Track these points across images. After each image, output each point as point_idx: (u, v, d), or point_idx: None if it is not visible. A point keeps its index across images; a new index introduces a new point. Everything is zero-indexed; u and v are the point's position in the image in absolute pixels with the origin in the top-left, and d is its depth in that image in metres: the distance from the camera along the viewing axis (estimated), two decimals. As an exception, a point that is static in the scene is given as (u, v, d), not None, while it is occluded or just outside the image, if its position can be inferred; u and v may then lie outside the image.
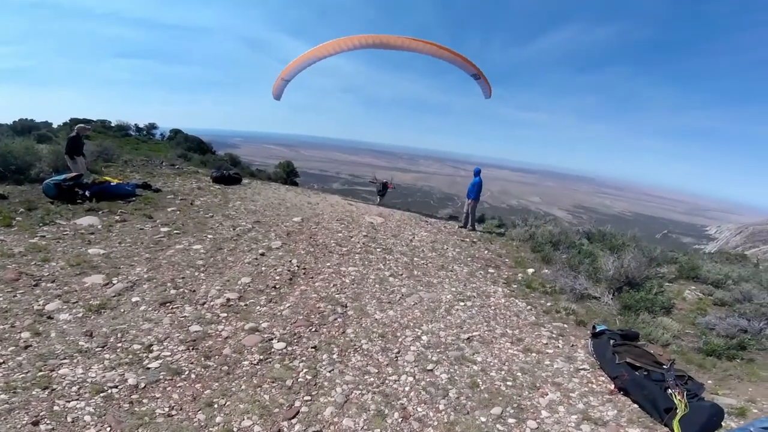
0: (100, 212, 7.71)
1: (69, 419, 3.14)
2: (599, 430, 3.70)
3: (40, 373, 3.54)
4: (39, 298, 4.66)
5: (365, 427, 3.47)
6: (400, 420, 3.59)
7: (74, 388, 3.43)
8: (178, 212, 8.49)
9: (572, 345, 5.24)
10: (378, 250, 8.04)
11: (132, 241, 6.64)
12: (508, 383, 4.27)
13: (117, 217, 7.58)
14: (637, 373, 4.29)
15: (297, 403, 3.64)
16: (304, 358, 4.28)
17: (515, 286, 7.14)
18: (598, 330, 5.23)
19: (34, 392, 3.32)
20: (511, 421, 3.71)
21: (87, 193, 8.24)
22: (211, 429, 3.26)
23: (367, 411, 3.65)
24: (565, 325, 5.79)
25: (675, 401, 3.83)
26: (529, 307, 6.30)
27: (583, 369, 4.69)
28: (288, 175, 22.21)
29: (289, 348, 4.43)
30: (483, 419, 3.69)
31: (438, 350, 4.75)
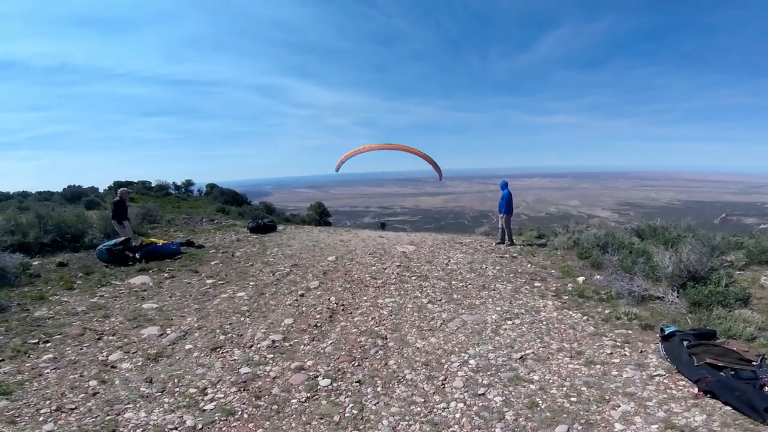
0: (150, 271, 8.27)
1: None
2: (679, 431, 3.28)
3: (108, 417, 3.74)
4: (102, 350, 5.04)
5: (417, 461, 3.26)
6: (454, 450, 3.35)
7: (139, 431, 3.56)
8: (220, 264, 8.91)
9: (641, 351, 4.76)
10: (413, 278, 7.90)
11: (181, 294, 7.06)
12: (572, 399, 3.89)
13: (166, 274, 8.08)
14: (722, 373, 3.79)
15: (345, 439, 3.50)
16: (349, 393, 4.16)
17: (566, 297, 6.70)
18: (667, 332, 4.74)
19: None
20: (580, 438, 3.36)
21: (137, 255, 8.86)
22: None
23: (418, 442, 3.44)
24: (630, 332, 5.30)
25: None
26: (585, 317, 5.86)
27: (658, 375, 4.22)
28: (320, 216, 22.77)
29: (334, 384, 4.33)
30: (546, 440, 3.37)
31: (489, 373, 4.45)
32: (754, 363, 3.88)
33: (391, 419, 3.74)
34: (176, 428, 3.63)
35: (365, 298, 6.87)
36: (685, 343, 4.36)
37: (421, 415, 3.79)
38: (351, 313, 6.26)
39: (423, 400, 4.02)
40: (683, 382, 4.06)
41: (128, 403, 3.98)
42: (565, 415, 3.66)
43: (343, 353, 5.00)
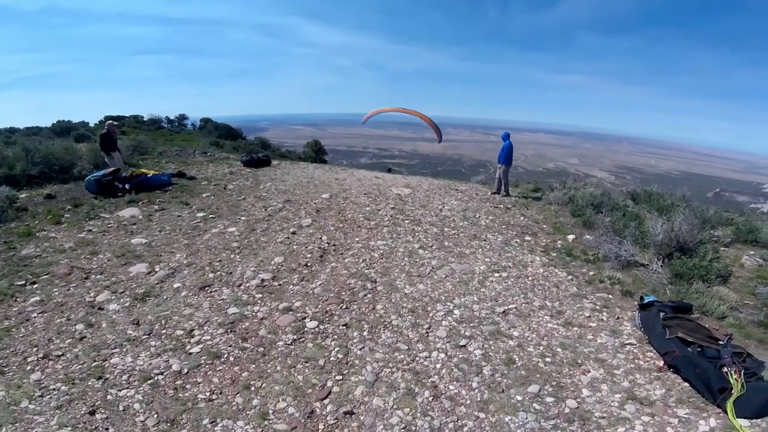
0: (140, 203, 8.12)
1: (121, 408, 3.34)
2: (645, 410, 3.47)
3: (95, 364, 3.78)
4: (90, 290, 4.98)
5: (395, 407, 3.45)
6: (430, 399, 3.54)
7: (125, 377, 3.65)
8: (212, 197, 8.78)
9: (617, 318, 4.93)
10: (406, 222, 7.89)
11: (171, 228, 6.97)
12: (547, 359, 4.09)
13: (156, 207, 7.95)
14: (689, 349, 3.94)
15: (329, 383, 3.67)
16: (335, 337, 4.30)
17: (554, 254, 6.79)
18: (646, 301, 4.85)
19: (89, 383, 3.56)
20: (549, 399, 3.56)
21: (126, 186, 8.70)
22: (248, 412, 3.36)
23: (397, 390, 3.62)
24: (610, 296, 5.44)
25: (731, 381, 3.50)
26: (569, 276, 5.97)
27: (630, 344, 4.40)
28: (317, 154, 22.31)
29: (321, 326, 4.46)
30: (519, 398, 3.57)
31: (471, 325, 4.61)
32: (720, 342, 4.01)
33: (375, 365, 3.90)
34: (162, 373, 3.71)
35: (357, 239, 6.88)
36: (662, 314, 4.48)
37: (404, 362, 3.97)
38: (342, 253, 6.29)
39: (407, 347, 4.19)
40: (651, 354, 4.23)
41: (115, 348, 4.00)
42: (538, 375, 3.85)
43: (332, 295, 5.09)
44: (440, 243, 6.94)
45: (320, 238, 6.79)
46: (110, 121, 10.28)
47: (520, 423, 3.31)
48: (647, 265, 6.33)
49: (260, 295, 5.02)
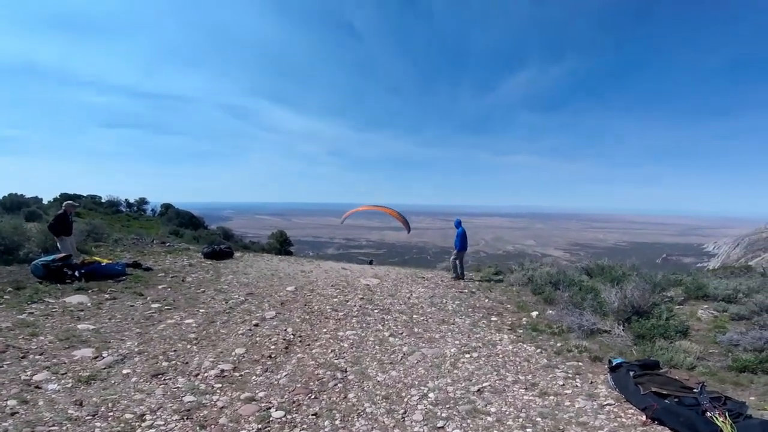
0: (89, 291, 7.66)
1: None
2: None
3: None
4: (27, 369, 4.55)
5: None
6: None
7: None
8: (169, 289, 8.40)
9: (591, 382, 4.93)
10: (375, 311, 7.84)
11: (122, 317, 6.55)
12: (528, 430, 3.93)
13: (107, 296, 7.52)
14: (666, 401, 3.98)
15: (301, 475, 3.28)
16: (304, 426, 3.94)
17: (521, 331, 6.89)
18: (614, 363, 4.95)
19: None
20: (538, 470, 3.35)
21: (77, 273, 8.24)
22: None
23: (378, 478, 3.29)
24: (580, 363, 5.50)
25: (718, 423, 3.53)
26: (538, 350, 6.02)
27: (608, 404, 4.37)
28: (282, 245, 22.25)
29: (289, 416, 4.10)
30: (506, 472, 3.34)
31: (447, 406, 4.41)
32: (695, 390, 4.10)
33: (350, 454, 3.56)
34: None
35: (325, 330, 6.68)
36: (631, 373, 4.56)
37: (381, 449, 3.65)
38: (309, 344, 6.05)
39: (382, 433, 3.89)
40: (632, 411, 4.21)
41: (53, 425, 3.57)
42: None
43: (299, 385, 4.78)
44: (410, 330, 6.89)
45: (285, 329, 6.55)
46: (69, 201, 9.80)
47: None
48: (609, 331, 6.56)
49: (219, 385, 4.63)
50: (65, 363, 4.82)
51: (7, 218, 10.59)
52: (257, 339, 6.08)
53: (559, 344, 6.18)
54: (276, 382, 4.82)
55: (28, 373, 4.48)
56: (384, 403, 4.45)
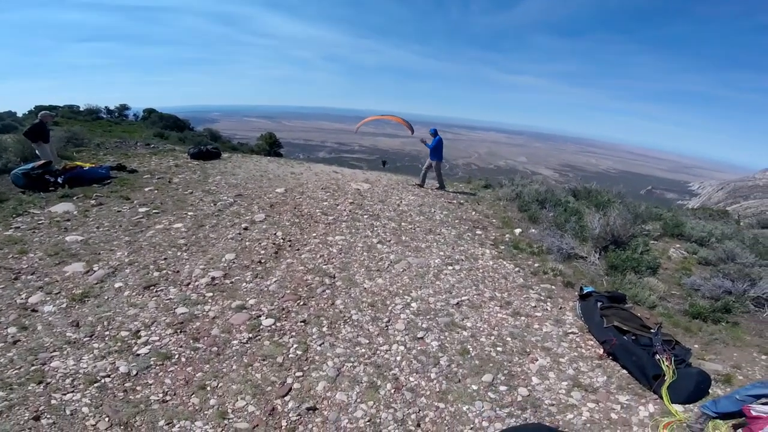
0: (74, 198, 7.41)
1: (68, 412, 3.13)
2: (589, 396, 3.75)
3: (33, 368, 3.50)
4: (21, 291, 4.55)
5: (358, 400, 3.50)
6: (392, 391, 3.62)
7: (68, 381, 3.40)
8: (155, 191, 8.19)
9: (560, 307, 5.29)
10: (365, 216, 7.92)
11: (110, 224, 6.43)
12: (498, 349, 4.31)
13: (93, 201, 7.30)
14: (625, 337, 4.29)
15: (289, 380, 3.63)
16: (293, 334, 4.24)
17: (503, 247, 7.13)
18: (585, 292, 5.24)
19: (30, 387, 3.31)
20: (502, 388, 3.76)
21: (59, 179, 7.90)
22: (206, 412, 3.25)
23: (360, 383, 3.66)
24: (553, 287, 5.82)
25: (663, 368, 3.86)
26: (516, 268, 6.32)
27: (572, 333, 4.75)
28: (271, 147, 21.64)
29: (278, 324, 4.37)
30: (474, 387, 3.74)
31: (428, 317, 4.75)
32: (651, 330, 4.42)
33: (336, 360, 3.91)
34: (109, 375, 3.51)
35: (314, 234, 6.79)
36: (599, 304, 4.86)
37: (365, 356, 4.01)
38: (298, 249, 6.19)
39: (367, 341, 4.24)
40: (592, 342, 4.59)
41: (54, 351, 3.72)
42: (491, 365, 4.06)
43: (288, 292, 5.01)
44: (398, 237, 7.05)
45: (274, 233, 6.62)
46: (44, 111, 9.24)
47: (477, 412, 3.48)
48: (586, 257, 6.86)
49: (211, 294, 4.81)
50: (58, 281, 4.81)
51: (-21, 132, 9.89)
52: (247, 243, 6.16)
53: (536, 265, 6.48)
54: (266, 289, 5.03)
55: (23, 295, 4.48)
56: (369, 311, 4.75)
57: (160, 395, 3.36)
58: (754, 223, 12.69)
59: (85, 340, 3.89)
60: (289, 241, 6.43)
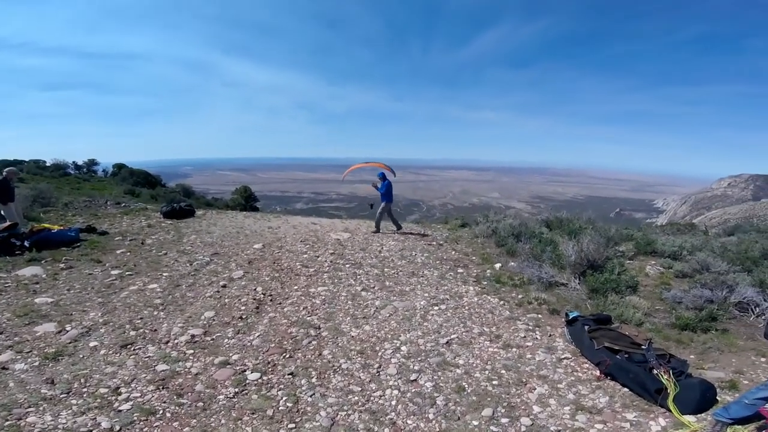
0: (42, 261, 7.17)
1: None
2: (595, 417, 3.68)
3: (8, 423, 3.25)
4: None
5: (356, 450, 3.30)
6: (391, 436, 3.44)
7: None
8: (128, 253, 7.99)
9: (550, 335, 5.29)
10: (347, 266, 7.90)
11: (81, 287, 6.22)
12: (494, 382, 4.22)
13: (62, 265, 7.06)
14: (618, 356, 4.31)
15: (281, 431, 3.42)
16: (281, 386, 4.04)
17: (485, 282, 7.21)
18: (571, 317, 5.29)
19: None
20: (504, 420, 3.65)
21: (26, 243, 7.64)
22: None
23: (356, 431, 3.48)
24: (540, 316, 5.85)
25: (663, 381, 3.86)
26: (501, 302, 6.35)
27: (566, 358, 4.73)
28: (247, 201, 21.59)
29: (265, 377, 4.17)
30: (475, 423, 3.61)
31: (419, 359, 4.64)
32: (642, 347, 4.46)
33: (329, 410, 3.72)
34: (90, 430, 3.27)
35: (296, 287, 6.69)
36: (586, 327, 4.91)
37: (359, 404, 3.84)
38: (280, 303, 6.05)
39: (360, 388, 4.07)
40: (587, 365, 4.57)
41: (29, 407, 3.48)
42: (489, 399, 3.95)
43: (273, 345, 4.84)
44: (382, 283, 7.03)
45: (254, 289, 6.49)
46: (10, 168, 9.08)
47: None
48: (566, 283, 7.00)
49: (192, 351, 4.60)
50: (28, 340, 4.60)
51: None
52: (226, 300, 6.00)
53: (520, 296, 6.54)
54: (249, 344, 4.85)
55: None
56: (359, 358, 4.61)
57: None
58: (720, 232, 13.43)
59: (61, 396, 3.65)
60: (270, 295, 6.31)
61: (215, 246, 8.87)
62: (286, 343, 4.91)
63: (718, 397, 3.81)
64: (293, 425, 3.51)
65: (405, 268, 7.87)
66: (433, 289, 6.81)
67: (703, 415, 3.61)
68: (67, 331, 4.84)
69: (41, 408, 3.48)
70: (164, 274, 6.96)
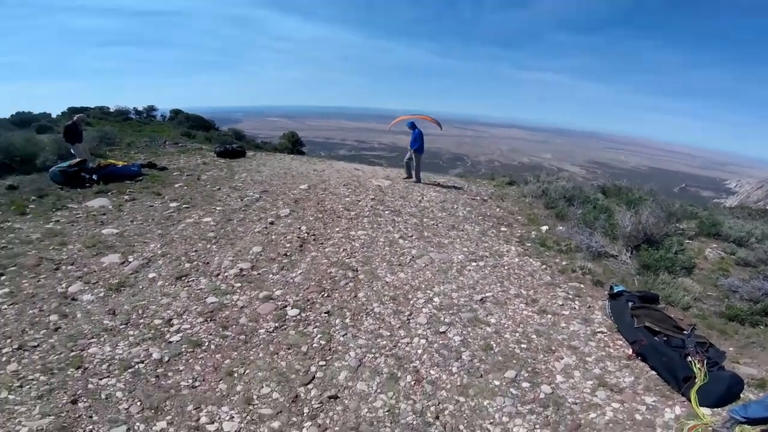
0: (109, 193, 7.81)
1: (103, 396, 3.32)
2: (615, 396, 3.64)
3: (72, 353, 3.71)
4: (61, 281, 4.82)
5: (378, 391, 3.52)
6: (412, 383, 3.62)
7: (104, 366, 3.60)
8: (185, 187, 8.51)
9: (589, 306, 5.13)
10: (386, 212, 7.92)
11: (143, 218, 6.74)
12: (523, 346, 4.24)
13: (126, 197, 7.66)
14: (656, 338, 4.13)
15: (312, 369, 3.70)
16: (317, 324, 4.32)
17: (529, 244, 6.98)
18: (615, 291, 5.06)
19: (69, 372, 3.52)
20: (525, 385, 3.69)
21: (94, 176, 8.36)
22: (232, 398, 3.37)
23: (380, 374, 3.68)
24: (582, 285, 5.65)
25: (694, 370, 3.71)
26: (543, 266, 6.17)
27: (600, 332, 4.60)
28: (293, 145, 21.99)
29: (303, 314, 4.46)
30: (497, 382, 3.69)
31: (450, 312, 4.72)
32: (685, 332, 4.22)
33: (358, 351, 3.95)
34: (143, 361, 3.68)
35: (337, 229, 6.87)
36: (630, 303, 4.68)
37: (387, 348, 4.03)
38: (322, 243, 6.28)
39: (389, 333, 4.25)
40: (620, 342, 4.43)
41: (92, 338, 3.94)
42: (515, 361, 3.99)
43: (313, 284, 5.10)
44: (420, 233, 7.02)
45: (299, 228, 6.73)
46: (78, 114, 9.89)
47: (498, 407, 3.43)
48: (616, 256, 6.63)
49: (239, 285, 4.96)
50: (95, 271, 5.08)
51: (18, 133, 10.55)
52: (273, 237, 6.30)
53: (564, 263, 6.31)
54: (291, 281, 5.14)
55: (63, 285, 4.74)
56: (391, 304, 4.77)
57: (190, 381, 3.49)
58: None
59: (120, 327, 4.10)
60: (314, 235, 6.53)
61: (264, 184, 9.19)
62: (325, 282, 5.15)
63: (741, 394, 3.63)
64: (324, 363, 3.78)
65: (445, 221, 7.77)
66: (473, 245, 6.72)
67: (719, 409, 3.47)
68: (130, 263, 5.31)
69: (102, 338, 3.93)
70: (217, 208, 7.38)
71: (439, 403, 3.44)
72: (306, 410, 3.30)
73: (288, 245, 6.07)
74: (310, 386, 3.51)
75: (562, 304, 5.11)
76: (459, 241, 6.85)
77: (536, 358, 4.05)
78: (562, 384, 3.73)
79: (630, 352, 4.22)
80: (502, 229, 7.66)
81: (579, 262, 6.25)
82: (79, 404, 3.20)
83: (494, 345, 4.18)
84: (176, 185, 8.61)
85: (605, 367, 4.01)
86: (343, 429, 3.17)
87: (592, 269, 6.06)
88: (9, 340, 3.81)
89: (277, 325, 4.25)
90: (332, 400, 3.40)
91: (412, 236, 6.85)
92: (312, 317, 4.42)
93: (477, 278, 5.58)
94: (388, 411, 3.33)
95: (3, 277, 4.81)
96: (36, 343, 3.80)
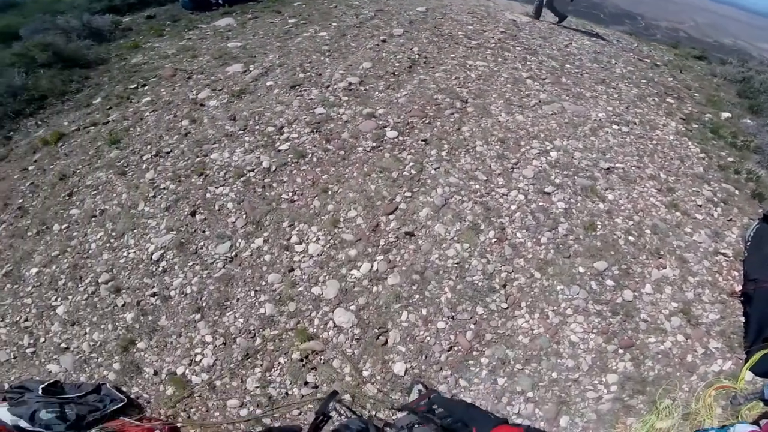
0: (234, 14, 8.12)
1: (216, 207, 3.68)
2: (686, 330, 3.12)
3: (197, 159, 4.14)
4: (192, 88, 5.29)
5: (455, 238, 3.41)
6: (493, 240, 3.41)
7: (222, 173, 3.99)
8: (303, 5, 8.29)
9: (730, 219, 4.03)
10: (518, 48, 6.62)
11: (264, 33, 6.88)
12: (630, 238, 3.61)
13: (249, 16, 7.87)
14: None
15: (398, 198, 3.70)
16: (412, 151, 4.16)
17: (696, 125, 5.46)
18: (772, 215, 3.78)
19: (192, 180, 3.91)
20: (609, 283, 3.27)
21: (220, 0, 8.76)
22: (322, 217, 3.58)
23: (463, 221, 3.52)
24: (737, 192, 4.39)
25: None
26: (702, 154, 4.86)
27: (723, 254, 3.67)
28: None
29: (401, 138, 4.31)
30: (581, 270, 3.30)
31: (565, 172, 4.07)
32: None
33: (447, 189, 3.76)
34: (253, 170, 3.98)
35: (453, 55, 6.07)
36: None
37: (478, 194, 3.76)
38: (433, 67, 5.69)
39: (485, 178, 3.92)
40: (736, 274, 3.54)
41: (214, 143, 4.30)
42: (612, 253, 3.47)
43: (416, 107, 4.78)
44: (556, 78, 5.84)
45: (411, 49, 6.12)
46: None
47: (569, 297, 3.16)
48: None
49: (346, 98, 4.93)
50: (221, 79, 5.41)
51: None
52: (383, 55, 5.92)
53: (730, 159, 4.91)
54: (395, 101, 4.88)
55: (194, 92, 5.15)
56: (497, 146, 4.29)
57: (290, 194, 3.76)
58: None
59: (239, 133, 4.44)
60: (425, 58, 5.91)
61: (380, 3, 8.40)
62: (428, 108, 4.78)
63: None
64: (410, 194, 3.71)
65: (594, 73, 6.32)
66: (622, 106, 5.49)
67: (759, 378, 2.83)
68: (250, 71, 5.53)
69: (222, 144, 4.24)
70: (333, 24, 7.12)
71: (513, 271, 3.26)
72: (382, 242, 3.40)
73: (397, 65, 5.65)
74: (391, 216, 3.55)
75: (701, 206, 4.10)
76: (605, 97, 5.60)
77: (637, 258, 3.47)
78: (645, 296, 3.25)
79: (737, 288, 3.39)
80: (668, 100, 6.00)
81: (749, 165, 4.81)
82: (197, 216, 3.63)
83: (599, 226, 3.64)
84: (295, 4, 8.48)
85: (700, 295, 3.35)
86: (409, 270, 3.22)
87: (761, 178, 4.64)
88: (149, 147, 4.35)
89: (374, 145, 4.22)
90: (408, 237, 3.42)
91: (545, 79, 5.74)
92: (408, 142, 4.25)
93: (612, 143, 4.64)
94: (458, 263, 3.26)
95: (146, 87, 5.46)
96: (169, 149, 4.29)
